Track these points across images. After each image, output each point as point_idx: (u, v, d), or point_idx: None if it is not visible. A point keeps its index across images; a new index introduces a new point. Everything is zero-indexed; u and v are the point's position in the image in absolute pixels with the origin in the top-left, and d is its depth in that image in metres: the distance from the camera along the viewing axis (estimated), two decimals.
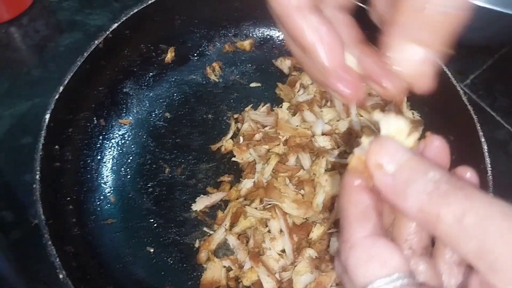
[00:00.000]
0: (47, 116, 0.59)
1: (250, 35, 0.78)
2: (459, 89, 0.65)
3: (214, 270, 0.62)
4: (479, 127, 0.63)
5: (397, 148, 0.30)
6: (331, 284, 0.60)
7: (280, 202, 0.62)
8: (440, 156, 0.33)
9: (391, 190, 0.29)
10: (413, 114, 0.71)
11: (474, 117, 0.64)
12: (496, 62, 0.83)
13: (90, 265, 0.59)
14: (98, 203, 0.65)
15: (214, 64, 0.76)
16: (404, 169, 0.29)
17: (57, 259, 0.53)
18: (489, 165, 0.61)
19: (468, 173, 0.33)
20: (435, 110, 0.70)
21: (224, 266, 0.63)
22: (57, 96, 0.61)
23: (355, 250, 0.30)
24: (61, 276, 0.52)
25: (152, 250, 0.64)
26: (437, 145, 0.33)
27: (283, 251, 0.62)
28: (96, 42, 0.64)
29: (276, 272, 0.61)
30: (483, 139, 0.63)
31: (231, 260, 0.63)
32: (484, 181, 0.61)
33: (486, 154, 0.62)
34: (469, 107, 0.64)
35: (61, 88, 0.61)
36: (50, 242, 0.53)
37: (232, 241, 0.63)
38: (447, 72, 0.66)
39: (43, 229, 0.54)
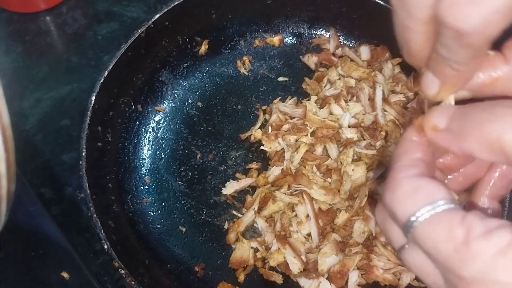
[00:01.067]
0: (93, 98, 0.63)
1: (280, 31, 0.81)
2: None
3: (243, 250, 0.66)
4: None
5: (443, 109, 0.33)
6: (353, 267, 0.64)
7: (309, 188, 0.65)
8: None
9: (450, 140, 0.32)
10: None
11: None
12: None
13: (130, 239, 0.63)
14: (135, 183, 0.69)
15: (245, 58, 0.80)
16: (453, 121, 0.32)
17: (102, 231, 0.57)
18: None
19: None
20: None
21: (252, 247, 0.66)
22: (102, 80, 0.64)
23: (401, 185, 0.33)
24: (105, 246, 0.56)
25: (184, 230, 0.67)
26: None
27: (309, 235, 0.66)
28: (139, 31, 0.68)
29: (302, 254, 0.65)
30: None
31: (258, 241, 0.67)
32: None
33: None
34: None
35: (106, 73, 0.65)
36: (95, 215, 0.57)
37: (261, 223, 0.67)
38: None
39: (88, 202, 0.58)
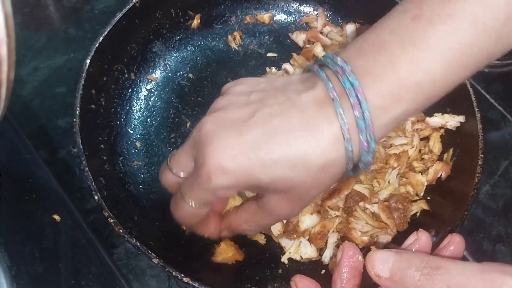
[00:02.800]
0: (88, 61, 0.66)
1: (270, 9, 0.85)
2: None
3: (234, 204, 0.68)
4: (474, 97, 0.70)
5: (383, 257, 0.41)
6: (333, 229, 0.67)
7: None
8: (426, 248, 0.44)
9: (391, 286, 0.40)
10: None
11: (470, 89, 0.71)
12: None
13: (120, 197, 0.65)
14: (126, 146, 0.72)
15: (235, 33, 0.83)
16: (394, 271, 0.39)
17: (93, 183, 0.59)
18: (481, 131, 0.68)
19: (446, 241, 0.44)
20: None
21: None
22: (97, 45, 0.67)
23: None
24: (96, 197, 0.58)
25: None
26: (424, 240, 0.44)
27: None
28: (134, 0, 0.71)
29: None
30: (476, 109, 0.70)
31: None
32: (475, 146, 0.67)
33: (479, 121, 0.68)
34: (466, 80, 0.71)
35: (101, 38, 0.68)
36: (87, 168, 0.60)
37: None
38: None
39: (81, 156, 0.60)
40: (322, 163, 0.44)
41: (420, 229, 0.45)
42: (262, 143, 0.44)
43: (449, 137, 0.73)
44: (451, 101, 0.73)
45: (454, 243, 0.44)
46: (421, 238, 0.44)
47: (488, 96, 0.87)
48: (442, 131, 0.74)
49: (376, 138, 0.44)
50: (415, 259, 0.39)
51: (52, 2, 0.87)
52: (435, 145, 0.73)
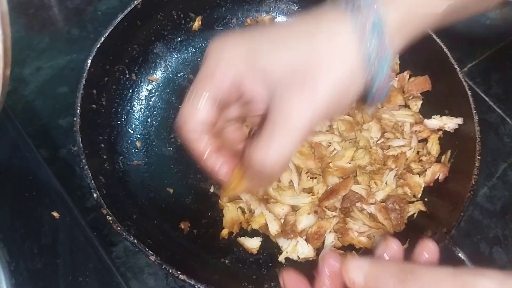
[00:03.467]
0: (89, 61, 0.67)
1: (270, 11, 0.86)
2: (456, 67, 0.73)
3: (231, 213, 0.68)
4: (471, 101, 0.71)
5: (358, 265, 0.40)
6: (330, 229, 0.67)
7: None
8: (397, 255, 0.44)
9: None
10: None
11: (468, 92, 0.71)
12: (494, 54, 0.91)
13: (119, 195, 0.66)
14: (126, 146, 0.73)
15: None
16: (369, 278, 0.39)
17: (92, 181, 0.60)
18: (479, 133, 0.68)
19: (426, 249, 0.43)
20: (434, 89, 0.78)
21: (240, 207, 0.69)
22: (98, 45, 0.68)
23: None
24: (95, 195, 0.59)
25: (172, 191, 0.71)
26: (395, 248, 0.44)
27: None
28: (135, 2, 0.72)
29: (281, 218, 0.68)
30: (474, 111, 0.70)
31: (244, 203, 0.69)
32: (473, 148, 0.68)
33: (477, 123, 0.69)
34: (464, 83, 0.72)
35: (103, 39, 0.69)
36: (87, 167, 0.61)
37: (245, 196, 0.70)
38: (449, 55, 0.73)
39: (81, 155, 0.61)
40: (331, 45, 0.44)
41: (389, 237, 0.45)
42: (276, 39, 0.46)
43: (447, 139, 0.74)
44: (449, 103, 0.74)
45: (427, 249, 0.44)
46: (391, 247, 0.44)
47: (487, 99, 0.87)
48: (440, 133, 0.74)
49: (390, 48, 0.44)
50: (389, 266, 0.39)
51: (55, 3, 0.88)
52: (433, 147, 0.74)
